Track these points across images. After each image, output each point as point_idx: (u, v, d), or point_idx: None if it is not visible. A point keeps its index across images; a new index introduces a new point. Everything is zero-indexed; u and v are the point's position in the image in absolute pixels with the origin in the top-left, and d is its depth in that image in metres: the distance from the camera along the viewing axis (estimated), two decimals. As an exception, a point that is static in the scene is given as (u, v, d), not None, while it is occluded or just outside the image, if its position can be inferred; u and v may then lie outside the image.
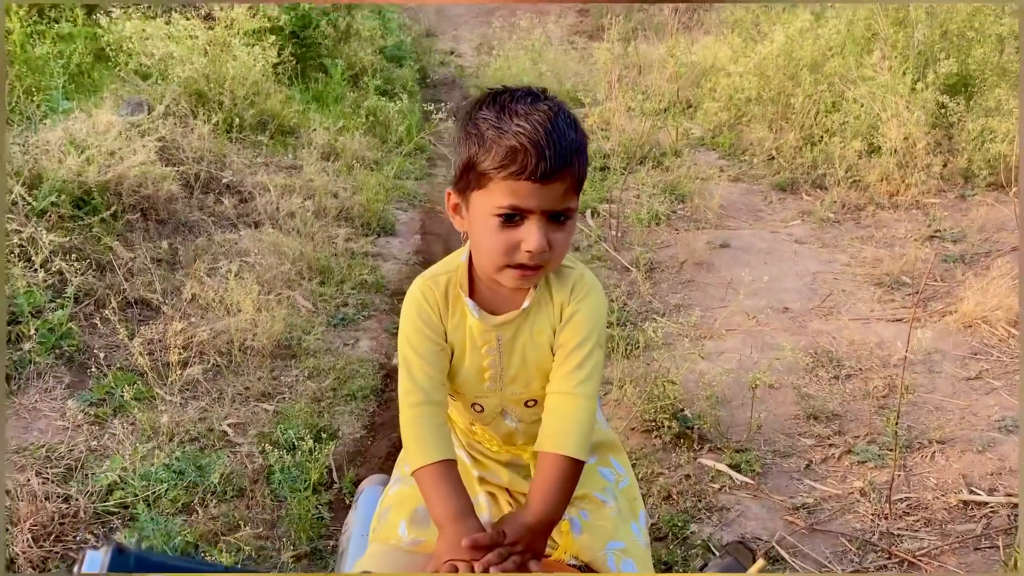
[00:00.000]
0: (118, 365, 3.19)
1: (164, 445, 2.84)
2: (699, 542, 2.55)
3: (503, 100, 1.14)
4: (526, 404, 1.31)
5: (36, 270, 3.26)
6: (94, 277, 3.55)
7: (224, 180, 4.82)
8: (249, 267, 4.03)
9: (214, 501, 2.59)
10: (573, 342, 1.23)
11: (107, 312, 3.24)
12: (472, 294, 1.27)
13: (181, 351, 3.32)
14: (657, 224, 5.13)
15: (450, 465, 1.22)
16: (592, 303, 1.24)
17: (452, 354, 1.28)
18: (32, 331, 3.01)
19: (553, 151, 1.09)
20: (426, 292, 1.26)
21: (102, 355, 3.18)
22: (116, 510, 2.50)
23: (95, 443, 2.75)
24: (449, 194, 1.22)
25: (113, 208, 3.93)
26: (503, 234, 1.13)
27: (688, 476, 2.84)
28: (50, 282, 3.32)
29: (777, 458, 2.95)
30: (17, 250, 3.34)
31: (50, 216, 3.60)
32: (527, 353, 1.27)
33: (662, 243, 4.93)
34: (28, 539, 2.27)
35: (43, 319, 3.11)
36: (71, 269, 3.34)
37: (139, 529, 2.38)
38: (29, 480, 2.45)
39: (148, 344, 3.27)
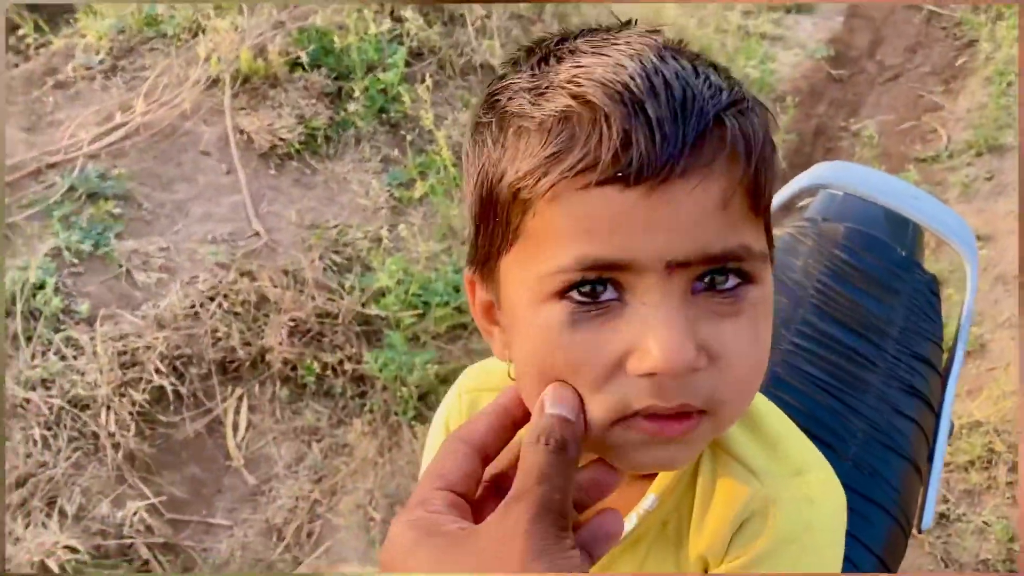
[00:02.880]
0: (441, 142, 2.93)
1: (455, 249, 2.59)
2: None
3: (546, 47, 0.53)
4: None
5: (374, 19, 3.01)
6: (440, 34, 3.21)
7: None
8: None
9: (476, 335, 2.31)
10: None
11: (446, 77, 2.95)
12: None
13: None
14: None
15: None
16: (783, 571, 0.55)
17: None
18: (359, 91, 2.82)
19: (669, 103, 0.46)
20: (451, 412, 0.72)
21: (427, 128, 2.93)
22: (382, 315, 2.33)
23: (386, 233, 2.56)
24: (469, 280, 0.59)
25: (482, -52, 3.49)
26: (580, 336, 0.48)
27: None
28: (393, 33, 3.06)
29: None
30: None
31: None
32: None
33: None
34: (285, 333, 2.20)
35: (374, 77, 2.89)
36: (414, 21, 3.04)
37: (383, 353, 2.19)
38: (304, 266, 2.35)
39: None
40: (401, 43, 3.02)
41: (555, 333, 0.49)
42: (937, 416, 1.13)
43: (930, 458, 1.11)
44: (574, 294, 0.48)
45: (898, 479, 1.01)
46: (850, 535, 0.94)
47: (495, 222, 0.52)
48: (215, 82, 2.72)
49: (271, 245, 2.43)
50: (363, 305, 2.33)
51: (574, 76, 0.48)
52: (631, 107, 0.45)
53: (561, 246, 0.47)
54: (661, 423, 0.49)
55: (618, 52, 0.49)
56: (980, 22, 3.74)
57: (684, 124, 0.45)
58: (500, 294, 0.54)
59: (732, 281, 0.49)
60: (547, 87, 0.49)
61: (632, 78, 0.46)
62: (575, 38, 0.53)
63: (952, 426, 1.23)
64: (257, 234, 2.43)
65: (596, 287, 0.48)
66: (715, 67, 0.51)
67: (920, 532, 1.10)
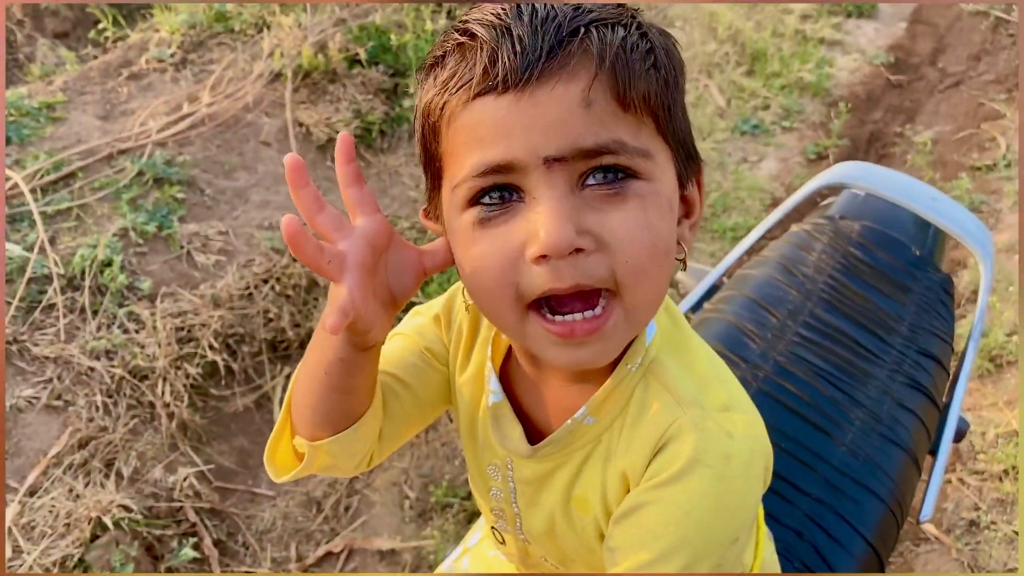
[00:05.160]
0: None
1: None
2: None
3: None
4: None
5: (431, 17, 3.10)
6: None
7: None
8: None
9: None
10: (635, 553, 0.61)
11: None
12: (503, 370, 0.71)
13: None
14: None
15: None
16: (695, 493, 0.59)
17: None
18: (414, 87, 2.91)
19: (532, 22, 0.54)
20: (457, 307, 0.76)
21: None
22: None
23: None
24: (423, 218, 0.68)
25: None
26: (489, 232, 0.57)
27: None
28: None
29: None
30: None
31: (469, -44, 3.36)
32: (557, 520, 0.70)
33: None
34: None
35: (430, 75, 2.97)
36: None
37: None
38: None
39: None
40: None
41: (469, 233, 0.58)
42: (943, 412, 1.15)
43: (933, 452, 1.13)
44: (484, 200, 0.56)
45: (895, 469, 1.04)
46: (841, 517, 0.99)
47: (428, 157, 0.61)
48: (277, 76, 2.84)
49: (323, 233, 2.53)
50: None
51: (466, 16, 0.57)
52: (499, 30, 0.54)
53: (463, 157, 0.56)
54: (570, 325, 0.56)
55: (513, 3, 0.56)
56: (1048, 29, 3.65)
57: (542, 37, 0.53)
58: (443, 220, 0.62)
59: (614, 174, 0.55)
60: (450, 30, 0.58)
61: (505, 8, 0.55)
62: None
63: (966, 423, 1.25)
64: (310, 222, 2.53)
65: (502, 193, 0.56)
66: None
67: (919, 523, 1.13)
